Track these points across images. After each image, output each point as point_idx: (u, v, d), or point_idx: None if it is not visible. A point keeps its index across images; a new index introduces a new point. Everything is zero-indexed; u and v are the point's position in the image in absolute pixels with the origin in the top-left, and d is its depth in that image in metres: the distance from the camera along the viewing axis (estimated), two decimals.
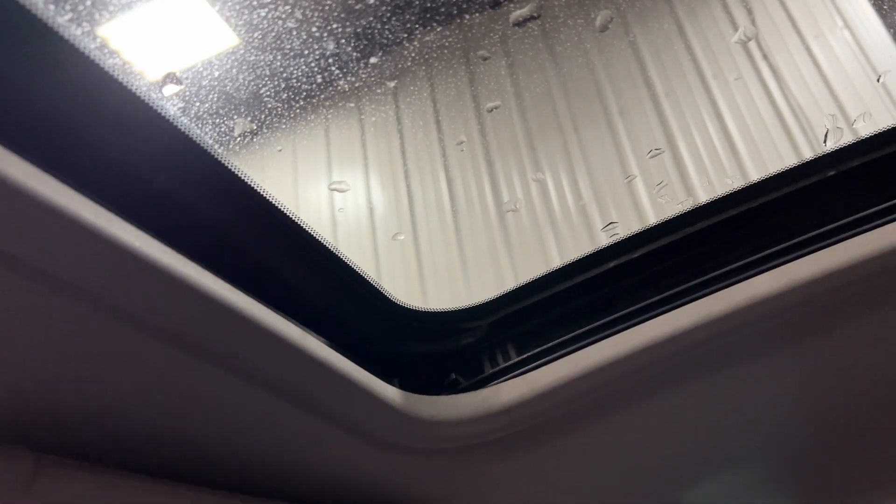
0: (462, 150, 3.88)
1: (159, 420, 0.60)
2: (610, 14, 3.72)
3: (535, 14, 3.66)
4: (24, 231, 0.41)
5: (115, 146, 0.56)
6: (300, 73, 3.07)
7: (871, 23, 3.55)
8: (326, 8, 2.97)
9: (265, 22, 2.96)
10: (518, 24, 3.88)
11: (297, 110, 3.44)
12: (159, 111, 0.58)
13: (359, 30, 3.39)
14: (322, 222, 3.90)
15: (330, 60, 3.20)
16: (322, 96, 3.70)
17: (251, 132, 3.17)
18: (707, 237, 0.94)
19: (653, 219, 3.40)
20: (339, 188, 4.07)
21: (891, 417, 1.06)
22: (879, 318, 0.87)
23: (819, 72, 3.49)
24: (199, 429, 0.63)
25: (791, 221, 0.90)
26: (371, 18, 3.36)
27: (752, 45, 3.62)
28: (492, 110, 3.94)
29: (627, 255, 0.94)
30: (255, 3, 2.85)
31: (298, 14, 2.82)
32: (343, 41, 3.24)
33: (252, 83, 3.07)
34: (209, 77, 3.06)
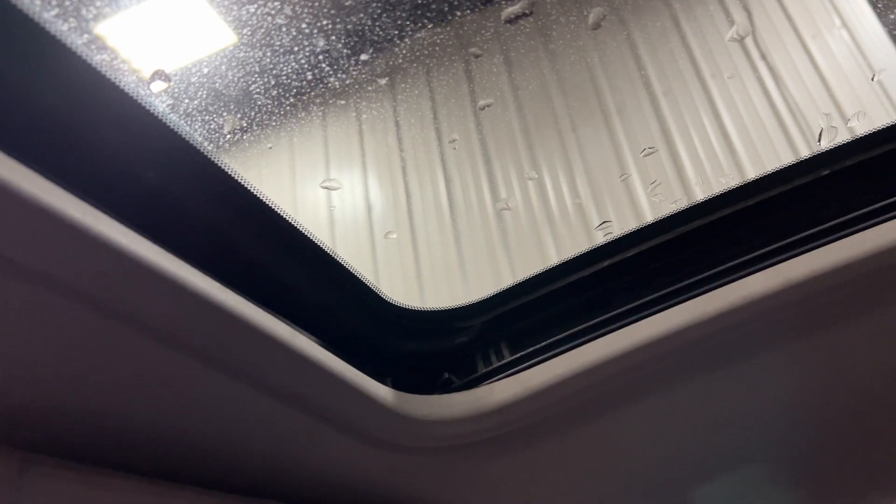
0: (455, 149, 3.88)
1: (147, 418, 0.59)
2: (602, 12, 3.73)
3: (526, 11, 3.66)
4: (8, 228, 0.40)
5: (103, 143, 0.56)
6: (290, 70, 3.06)
7: (868, 22, 3.57)
8: (316, 4, 2.96)
9: (255, 18, 2.94)
10: (510, 21, 3.87)
11: (288, 108, 3.42)
12: (148, 108, 0.57)
13: (349, 27, 3.38)
14: (320, 221, 3.89)
15: (320, 57, 3.19)
16: (313, 94, 3.69)
17: (241, 129, 3.15)
18: (701, 236, 0.93)
19: (650, 217, 3.41)
20: (331, 186, 4.06)
21: (888, 417, 1.06)
22: (875, 318, 0.87)
23: (816, 71, 3.51)
24: (188, 427, 0.63)
25: (785, 220, 0.90)
26: (362, 15, 3.35)
27: (751, 44, 3.64)
28: (484, 108, 3.94)
29: (621, 254, 0.94)
30: None
31: (288, 10, 2.81)
32: (333, 38, 3.22)
33: (242, 80, 3.05)
34: (198, 74, 3.04)
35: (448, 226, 3.74)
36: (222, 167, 0.64)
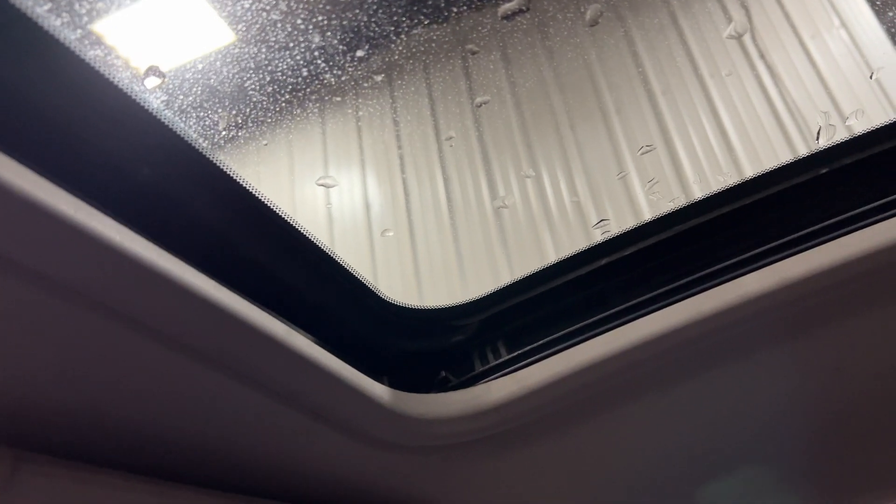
0: (451, 146, 3.88)
1: (142, 416, 0.59)
2: (600, 8, 3.72)
3: (523, 7, 3.65)
4: (3, 224, 0.40)
5: (97, 139, 0.55)
6: (286, 67, 3.05)
7: (867, 21, 3.57)
8: (312, 0, 2.95)
9: (250, 14, 2.93)
10: (506, 17, 3.87)
11: (284, 104, 3.41)
12: (142, 104, 0.56)
13: (345, 23, 3.36)
14: (318, 220, 3.89)
15: (316, 54, 3.17)
16: (308, 90, 3.68)
17: (236, 126, 3.14)
18: (699, 235, 0.93)
19: (648, 216, 3.42)
20: (327, 183, 4.05)
21: (884, 416, 1.06)
22: (872, 316, 0.87)
23: (815, 70, 3.52)
24: (184, 426, 0.62)
25: (782, 219, 0.90)
26: (357, 11, 3.34)
27: (749, 43, 3.64)
28: (480, 105, 3.93)
29: (619, 252, 0.94)
30: None
31: (284, 6, 2.80)
32: (329, 34, 3.21)
33: (237, 76, 3.04)
34: (193, 70, 3.03)
35: (446, 224, 3.74)
36: (217, 164, 0.64)
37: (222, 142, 3.10)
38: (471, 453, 0.87)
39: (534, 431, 0.88)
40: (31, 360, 0.49)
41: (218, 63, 3.05)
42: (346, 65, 3.49)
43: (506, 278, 0.93)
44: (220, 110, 2.91)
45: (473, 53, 3.97)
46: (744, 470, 1.17)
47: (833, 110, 3.38)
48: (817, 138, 3.24)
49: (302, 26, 2.93)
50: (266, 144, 3.95)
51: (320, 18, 3.02)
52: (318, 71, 3.30)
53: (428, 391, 0.83)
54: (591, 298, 0.94)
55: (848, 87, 3.41)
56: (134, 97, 0.56)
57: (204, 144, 0.63)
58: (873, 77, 3.31)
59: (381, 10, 3.34)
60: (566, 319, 0.89)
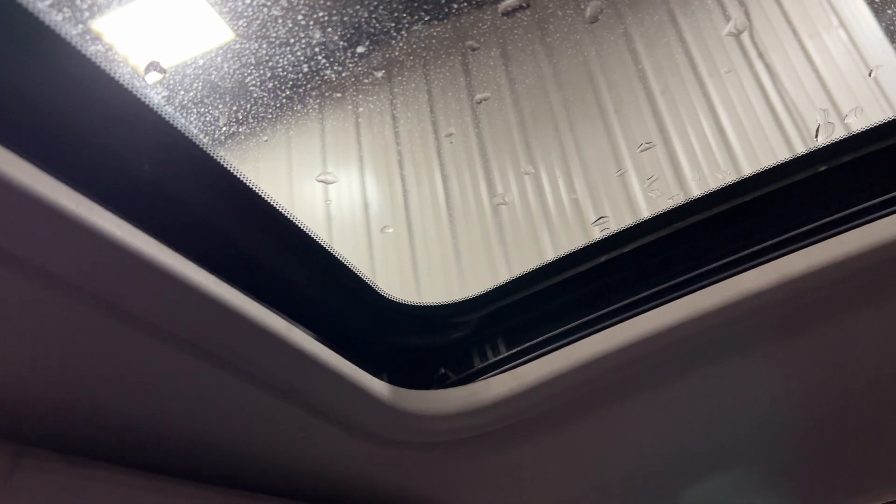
0: (451, 143, 3.87)
1: (142, 412, 0.59)
2: (600, 5, 3.72)
3: (523, 4, 3.65)
4: (3, 218, 0.40)
5: (97, 134, 0.55)
6: (286, 63, 3.04)
7: (865, 20, 3.57)
8: None
9: (251, 10, 2.92)
10: (507, 13, 3.86)
11: (284, 100, 3.41)
12: (143, 99, 0.56)
13: (345, 18, 3.36)
14: (317, 217, 3.88)
15: (317, 50, 3.17)
16: (309, 86, 3.68)
17: (236, 122, 3.14)
18: (697, 232, 0.93)
19: (646, 213, 3.42)
20: (327, 180, 4.05)
21: (884, 415, 1.07)
22: (871, 313, 0.87)
23: (814, 70, 3.52)
24: (183, 421, 0.63)
25: (782, 217, 0.90)
26: (358, 7, 3.33)
27: (748, 43, 3.64)
28: (480, 102, 3.93)
29: (618, 249, 0.94)
30: None
31: (284, 2, 2.79)
32: (330, 30, 3.21)
33: (237, 72, 3.04)
34: (193, 66, 3.03)
35: (444, 221, 3.74)
36: (218, 160, 0.64)
37: (223, 137, 3.10)
38: (470, 450, 0.87)
39: (533, 428, 0.88)
40: (31, 356, 0.49)
41: (219, 59, 3.04)
42: (347, 61, 3.49)
43: (504, 276, 0.94)
44: (220, 106, 2.91)
45: (474, 50, 3.96)
46: (742, 467, 1.17)
47: (831, 109, 3.38)
48: (816, 136, 3.24)
49: (303, 22, 2.93)
50: (266, 140, 3.95)
51: (321, 14, 3.02)
52: (319, 67, 3.30)
53: (427, 388, 0.83)
54: (590, 295, 0.94)
55: (846, 86, 3.41)
56: (135, 93, 0.56)
57: (205, 140, 0.63)
58: (872, 75, 3.30)
59: (381, 7, 3.33)
60: (565, 316, 0.89)
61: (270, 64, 3.01)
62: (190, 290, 0.50)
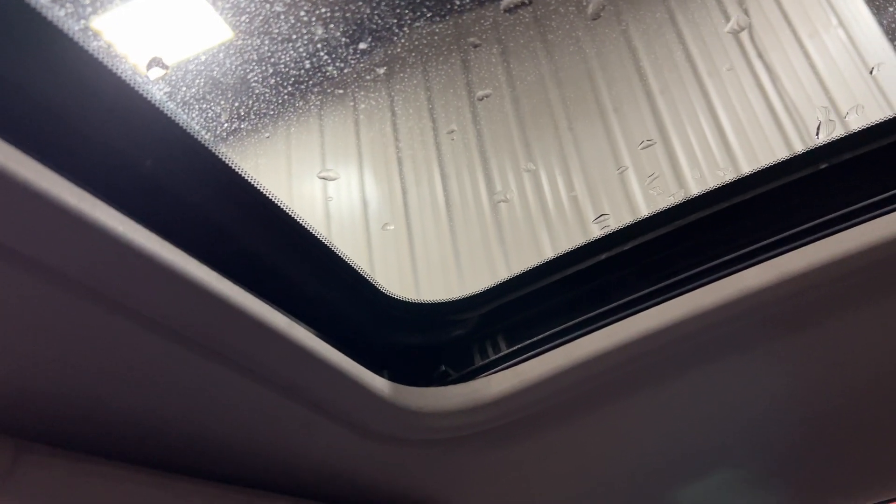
0: (453, 140, 3.87)
1: (143, 407, 0.59)
2: (602, 2, 3.71)
3: (526, 0, 3.64)
4: (4, 213, 0.40)
5: (99, 130, 0.55)
6: (288, 59, 3.04)
7: (864, 20, 3.56)
8: None
9: (253, 6, 2.92)
10: (509, 10, 3.86)
11: (286, 96, 3.41)
12: (144, 95, 0.56)
13: (348, 14, 3.35)
14: (316, 215, 3.88)
15: (319, 46, 3.17)
16: (311, 82, 3.67)
17: (238, 118, 3.14)
18: (697, 230, 0.93)
19: (645, 211, 3.42)
20: (328, 176, 4.05)
21: (884, 413, 1.07)
22: (871, 312, 0.87)
23: (813, 69, 3.51)
24: (184, 417, 0.63)
25: (782, 214, 0.90)
26: (360, 3, 3.33)
27: (748, 42, 3.64)
28: (482, 98, 3.92)
29: (618, 247, 0.94)
30: None
31: None
32: (332, 26, 3.20)
33: (239, 68, 3.03)
34: (195, 62, 3.02)
35: (444, 218, 3.74)
36: (220, 157, 0.64)
37: (224, 134, 3.10)
38: (470, 447, 0.87)
39: (533, 425, 0.88)
40: (33, 351, 0.49)
41: (221, 55, 3.04)
42: (349, 57, 3.49)
43: (503, 274, 0.94)
44: (222, 102, 2.91)
45: (475, 46, 3.95)
46: (742, 464, 1.17)
47: (831, 108, 3.38)
48: (817, 133, 3.24)
49: (305, 18, 2.93)
50: (268, 137, 3.95)
51: (323, 10, 3.02)
52: (321, 63, 3.30)
53: (428, 385, 0.83)
54: (590, 293, 0.94)
55: (845, 85, 3.41)
56: (137, 89, 0.56)
57: (206, 136, 0.63)
58: (873, 73, 3.30)
59: (384, 3, 3.33)
60: (566, 314, 0.89)
61: (272, 60, 3.01)
62: (192, 287, 0.50)
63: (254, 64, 3.01)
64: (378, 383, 0.74)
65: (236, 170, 0.66)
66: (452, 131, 3.91)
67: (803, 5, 3.67)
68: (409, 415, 0.78)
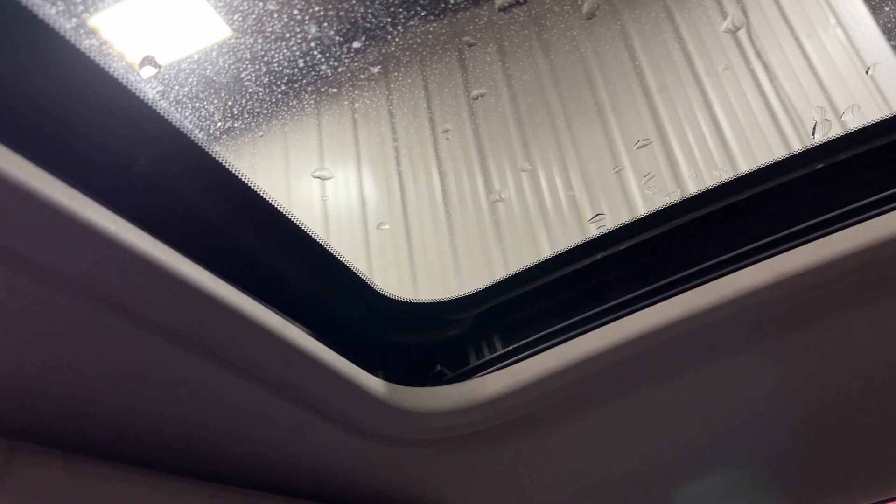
0: (448, 139, 3.87)
1: (136, 407, 0.59)
2: (597, 1, 3.71)
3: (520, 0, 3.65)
4: None
5: (91, 129, 0.55)
6: (282, 58, 3.03)
7: (862, 19, 3.58)
8: None
9: (245, 4, 2.91)
10: (503, 9, 3.86)
11: (279, 95, 3.40)
12: (137, 94, 0.56)
13: (341, 13, 3.35)
14: (314, 215, 3.88)
15: (312, 45, 3.16)
16: (304, 81, 3.67)
17: (231, 116, 3.13)
18: (694, 230, 0.93)
19: (643, 210, 3.42)
20: (323, 175, 4.04)
21: (879, 414, 1.07)
22: (867, 312, 0.87)
23: (812, 69, 3.53)
24: (178, 417, 0.62)
25: (778, 214, 0.90)
26: (354, 2, 3.32)
27: (746, 42, 3.65)
28: (477, 98, 3.92)
29: (614, 247, 0.94)
30: None
31: None
32: (325, 25, 3.19)
33: (232, 67, 3.03)
34: (188, 61, 3.01)
35: (441, 218, 3.74)
36: (214, 156, 0.64)
37: (218, 133, 3.09)
38: (466, 447, 0.87)
39: (528, 425, 0.88)
40: (25, 351, 0.49)
41: (214, 54, 3.03)
42: (343, 56, 3.48)
43: (500, 273, 0.94)
44: (215, 101, 2.90)
45: (470, 45, 3.96)
46: (737, 464, 1.17)
47: (828, 107, 3.39)
48: (813, 133, 3.25)
49: (298, 17, 2.92)
50: (262, 136, 3.94)
51: (317, 9, 3.01)
52: (315, 62, 3.29)
53: (423, 384, 0.83)
54: (586, 293, 0.94)
55: (843, 84, 3.42)
56: (129, 87, 0.55)
57: (200, 135, 0.62)
58: (869, 72, 3.31)
59: (377, 2, 3.32)
60: (561, 314, 0.89)
61: (266, 59, 3.00)
62: (184, 286, 0.50)
63: (247, 63, 3.00)
64: (373, 383, 0.73)
65: (229, 168, 0.65)
66: (447, 130, 3.91)
67: (802, 5, 3.68)
68: (405, 415, 0.78)
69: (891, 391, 1.01)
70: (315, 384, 0.66)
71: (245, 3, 2.86)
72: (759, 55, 3.60)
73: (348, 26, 3.42)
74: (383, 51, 3.85)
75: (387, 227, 3.79)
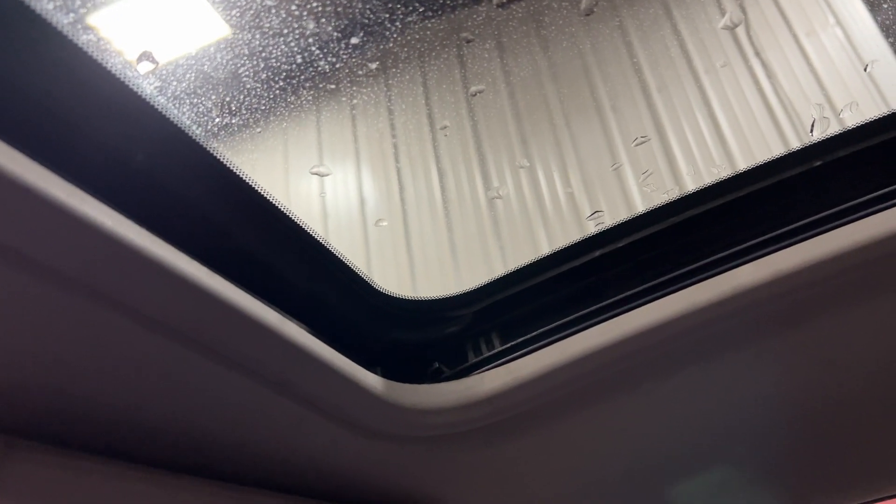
0: (446, 136, 3.86)
1: (133, 404, 0.59)
2: None
3: None
4: None
5: (88, 124, 0.55)
6: (279, 53, 3.02)
7: (861, 17, 3.58)
8: None
9: (243, 0, 2.90)
10: (501, 5, 3.85)
11: (277, 91, 3.39)
12: (135, 89, 0.56)
13: (339, 9, 3.34)
14: (313, 212, 3.88)
15: (310, 40, 3.15)
16: (302, 77, 3.66)
17: (229, 112, 3.12)
18: (692, 227, 0.93)
19: (641, 207, 3.42)
20: (320, 172, 4.04)
21: (878, 411, 1.07)
22: (866, 310, 0.87)
23: (810, 68, 3.53)
24: (175, 414, 0.62)
25: (777, 211, 0.90)
26: None
27: (745, 41, 3.65)
28: (475, 94, 3.92)
29: (612, 244, 0.93)
30: None
31: None
32: (323, 21, 3.19)
33: (230, 62, 3.02)
34: (186, 56, 3.00)
35: (440, 215, 3.74)
36: (211, 152, 0.63)
37: (216, 129, 3.09)
38: (464, 444, 0.87)
39: (527, 422, 0.88)
40: (19, 346, 0.49)
41: (212, 49, 3.02)
42: (341, 52, 3.47)
43: (499, 269, 0.93)
44: (213, 97, 2.89)
45: (468, 42, 3.95)
46: (737, 462, 1.17)
47: (826, 105, 3.40)
48: (811, 130, 3.25)
49: (296, 12, 2.91)
50: (260, 132, 3.93)
51: (315, 5, 3.00)
52: (313, 58, 3.28)
53: (421, 382, 0.83)
54: (584, 290, 0.94)
55: (842, 83, 3.43)
56: (126, 82, 0.55)
57: (197, 131, 0.62)
58: (867, 70, 3.32)
59: None
60: (560, 310, 0.89)
61: (264, 55, 2.99)
62: (181, 282, 0.50)
63: (245, 59, 2.99)
64: (371, 380, 0.73)
65: (227, 164, 0.65)
66: (445, 127, 3.90)
67: (801, 4, 3.68)
68: (403, 412, 0.77)
69: (889, 388, 1.02)
70: (313, 381, 0.66)
71: (242, 0, 2.85)
72: (758, 54, 3.60)
73: (346, 22, 3.42)
74: (381, 47, 3.84)
75: (385, 223, 3.79)
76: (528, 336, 0.88)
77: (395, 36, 3.74)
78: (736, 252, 0.86)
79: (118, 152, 0.57)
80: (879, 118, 0.91)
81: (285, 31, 2.92)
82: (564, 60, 3.89)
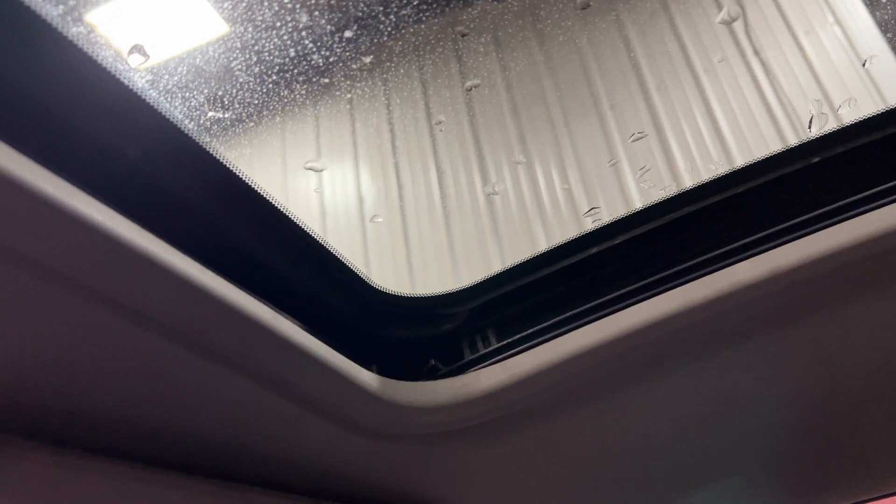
0: (441, 131, 3.86)
1: (126, 401, 0.58)
2: None
3: None
4: None
5: (79, 118, 0.54)
6: (272, 47, 3.00)
7: (860, 15, 3.59)
8: None
9: None
10: None
11: (271, 85, 3.37)
12: (126, 83, 0.55)
13: (332, 1, 3.32)
14: (311, 209, 3.87)
15: (303, 34, 3.13)
16: (296, 71, 3.64)
17: (222, 107, 3.10)
18: (690, 223, 0.93)
19: (639, 204, 3.42)
20: (314, 167, 4.03)
21: (876, 409, 1.07)
22: (863, 307, 0.87)
23: (809, 67, 3.53)
24: (171, 412, 0.62)
25: (774, 208, 0.90)
26: None
27: (744, 39, 3.65)
28: (471, 89, 3.91)
29: (609, 241, 0.93)
30: None
31: None
32: (316, 13, 3.17)
33: (223, 56, 3.00)
34: (178, 49, 2.98)
35: (438, 211, 3.73)
36: (203, 146, 0.63)
37: (209, 123, 3.07)
38: (460, 441, 0.87)
39: (523, 420, 0.87)
40: (12, 344, 0.48)
41: (204, 42, 3.00)
42: (335, 46, 3.45)
43: (497, 266, 0.93)
44: (206, 91, 2.87)
45: (463, 35, 3.94)
46: (735, 461, 1.17)
47: (824, 101, 3.41)
48: (809, 127, 3.26)
49: (289, 5, 2.89)
50: (257, 128, 3.92)
51: None
52: (306, 52, 3.26)
53: (417, 379, 0.82)
54: (581, 287, 0.94)
55: (841, 82, 3.43)
56: (118, 76, 0.54)
57: (190, 126, 0.61)
58: (866, 65, 3.32)
59: None
60: (556, 308, 0.88)
61: (256, 48, 2.98)
62: (173, 278, 0.49)
63: (237, 52, 2.97)
64: (367, 378, 0.73)
65: (220, 160, 0.64)
66: (440, 122, 3.89)
67: (800, 2, 3.69)
68: (399, 409, 0.77)
69: (887, 386, 1.02)
70: (308, 379, 0.66)
71: None
72: (757, 53, 3.61)
73: (340, 15, 3.40)
74: (376, 41, 3.83)
75: (380, 220, 3.78)
76: (525, 333, 0.87)
77: (389, 30, 3.73)
78: (733, 249, 0.86)
79: (109, 147, 0.56)
80: (877, 115, 0.91)
81: (278, 23, 2.90)
82: (561, 55, 3.88)
